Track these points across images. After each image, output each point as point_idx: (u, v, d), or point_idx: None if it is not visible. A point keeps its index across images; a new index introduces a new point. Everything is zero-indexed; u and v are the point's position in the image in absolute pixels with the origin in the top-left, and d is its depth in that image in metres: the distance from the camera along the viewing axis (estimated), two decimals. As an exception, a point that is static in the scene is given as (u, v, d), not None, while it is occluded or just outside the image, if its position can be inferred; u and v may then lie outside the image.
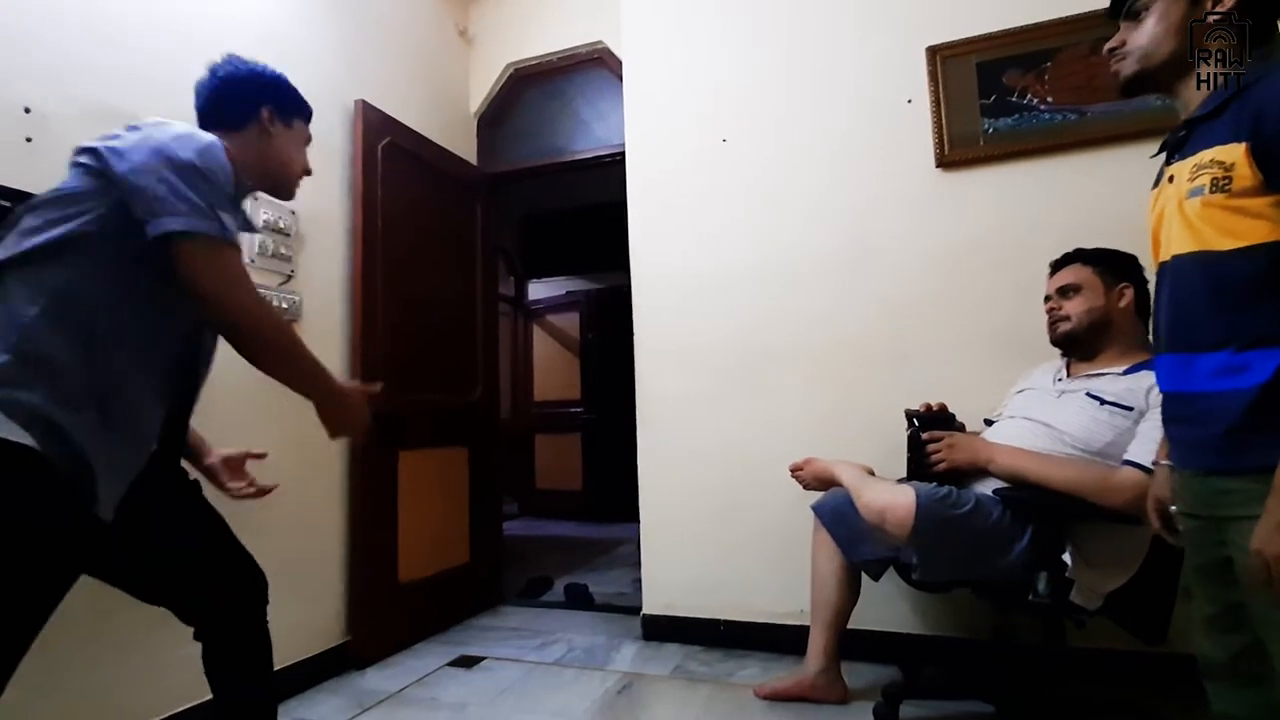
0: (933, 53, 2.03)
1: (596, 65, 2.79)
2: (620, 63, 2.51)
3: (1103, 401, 1.38)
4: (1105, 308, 1.46)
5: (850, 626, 1.70)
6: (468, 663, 2.10)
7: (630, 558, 3.07)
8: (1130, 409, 1.34)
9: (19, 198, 1.32)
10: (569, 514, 5.08)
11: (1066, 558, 1.30)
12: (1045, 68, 1.92)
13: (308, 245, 2.04)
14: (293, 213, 1.98)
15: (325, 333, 2.09)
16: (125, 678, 1.49)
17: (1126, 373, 1.40)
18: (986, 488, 1.43)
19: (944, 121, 2.00)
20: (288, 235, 1.96)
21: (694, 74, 2.34)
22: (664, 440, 2.28)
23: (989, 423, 1.64)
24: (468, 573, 2.59)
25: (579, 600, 2.76)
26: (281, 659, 1.85)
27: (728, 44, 2.31)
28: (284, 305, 1.92)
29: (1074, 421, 1.39)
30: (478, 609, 2.63)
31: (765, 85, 2.25)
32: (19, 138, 1.36)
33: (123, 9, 1.57)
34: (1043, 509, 1.33)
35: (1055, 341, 1.55)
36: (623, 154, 2.46)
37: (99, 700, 1.44)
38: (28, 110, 1.37)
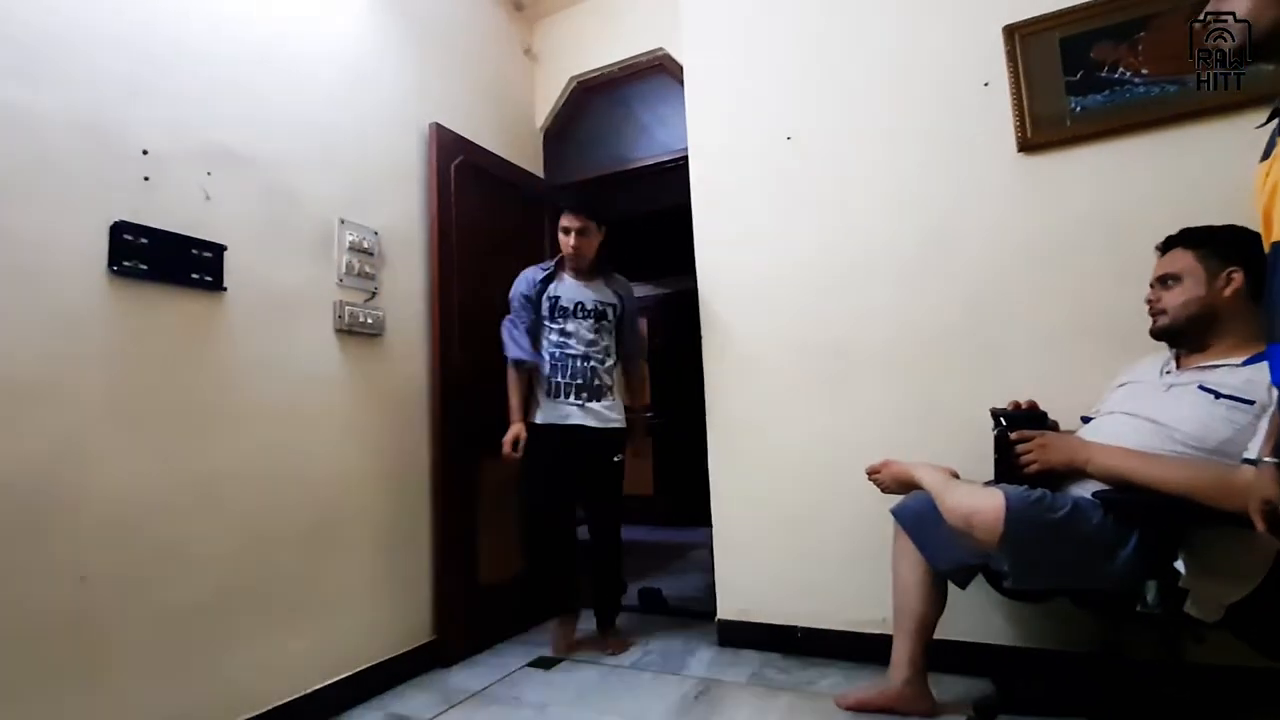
0: (1010, 32, 1.93)
1: (657, 72, 2.82)
2: (681, 68, 2.52)
3: (1219, 395, 1.26)
4: (1206, 298, 1.34)
5: (938, 637, 1.62)
6: (546, 664, 2.15)
7: (703, 562, 3.05)
8: (1251, 403, 1.22)
9: (140, 232, 1.47)
10: (641, 518, 5.10)
11: (1179, 565, 1.19)
12: (1139, 38, 1.78)
13: (389, 263, 2.15)
14: (375, 233, 2.10)
15: (407, 345, 2.20)
16: (248, 666, 1.62)
17: (1246, 363, 1.28)
18: (1084, 490, 1.33)
19: (1025, 103, 1.89)
20: (371, 254, 2.07)
21: (755, 73, 2.32)
22: (736, 443, 2.26)
23: (1086, 420, 1.53)
24: (545, 576, 2.64)
25: (653, 604, 2.77)
26: (375, 655, 1.97)
27: (788, 39, 2.27)
28: (369, 320, 2.03)
29: (1185, 417, 1.28)
30: (554, 611, 2.67)
31: (829, 79, 2.20)
32: (138, 177, 1.51)
33: (213, 45, 1.71)
34: (1151, 512, 1.23)
35: (1154, 334, 1.44)
36: (685, 158, 2.47)
37: (224, 685, 1.56)
38: (145, 152, 1.52)
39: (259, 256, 1.74)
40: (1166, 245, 1.44)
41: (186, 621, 1.51)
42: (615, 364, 2.33)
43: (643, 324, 5.39)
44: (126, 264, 1.44)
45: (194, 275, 1.57)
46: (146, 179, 1.52)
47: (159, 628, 1.46)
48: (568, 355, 2.22)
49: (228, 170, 1.68)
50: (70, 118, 1.39)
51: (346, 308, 1.96)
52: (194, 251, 1.58)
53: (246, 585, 1.64)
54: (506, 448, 2.16)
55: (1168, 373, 1.42)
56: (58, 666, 1.29)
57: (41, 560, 1.29)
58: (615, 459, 2.28)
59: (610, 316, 2.30)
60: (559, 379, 2.22)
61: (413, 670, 2.05)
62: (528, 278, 2.27)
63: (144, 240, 1.48)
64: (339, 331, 1.94)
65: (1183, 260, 1.38)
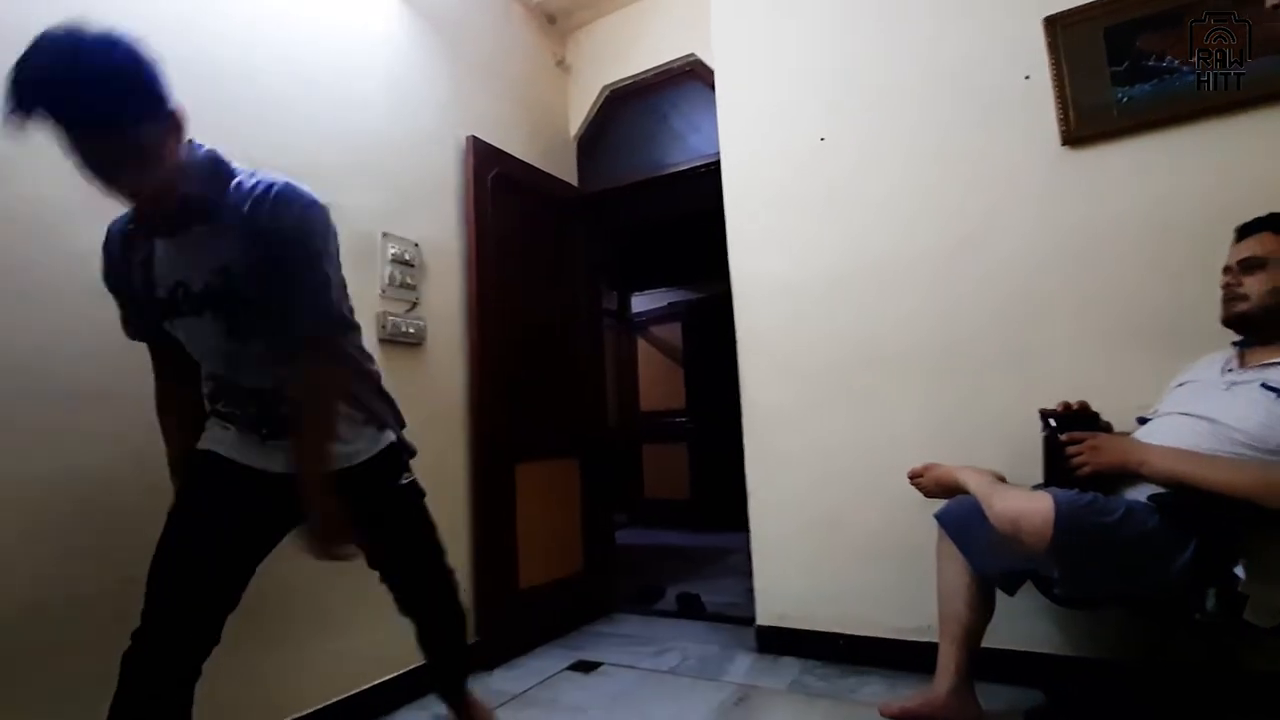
0: (1051, 23, 1.88)
1: (689, 78, 2.83)
2: (712, 73, 2.52)
3: (1282, 393, 1.20)
4: None
5: (985, 645, 1.58)
6: (586, 668, 2.16)
7: (741, 567, 3.03)
8: (1317, 402, 1.16)
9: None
10: (677, 523, 5.10)
11: (1239, 571, 1.14)
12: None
13: (429, 273, 2.21)
14: (416, 245, 2.15)
15: (446, 353, 2.25)
16: (299, 666, 1.67)
17: (1312, 361, 1.22)
18: (1139, 494, 1.28)
19: (1069, 95, 1.84)
20: (412, 266, 2.13)
21: (787, 74, 2.31)
22: (772, 447, 2.24)
23: (1143, 421, 1.47)
24: (582, 580, 2.67)
25: (691, 609, 2.76)
26: (420, 657, 1.99)
27: (821, 38, 2.26)
28: (410, 330, 2.09)
29: (1246, 416, 1.22)
30: (592, 616, 2.69)
31: (864, 78, 2.17)
32: (196, 196, 1.58)
33: (262, 66, 1.78)
34: (1210, 516, 1.18)
35: (1227, 321, 1.37)
36: (718, 163, 2.47)
37: (254, 692, 1.60)
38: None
39: (306, 269, 1.80)
40: (1250, 229, 1.36)
41: (240, 621, 1.56)
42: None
43: (673, 328, 5.46)
44: (185, 279, 1.50)
45: (246, 288, 1.63)
46: (202, 198, 1.59)
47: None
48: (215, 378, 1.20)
49: (277, 187, 1.75)
50: (133, 142, 1.47)
51: (389, 318, 2.02)
52: (246, 266, 1.64)
53: (298, 587, 1.69)
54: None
55: (1229, 371, 1.36)
56: (111, 664, 1.36)
57: (100, 558, 1.36)
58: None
59: (235, 292, 1.08)
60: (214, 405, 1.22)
61: (455, 672, 2.09)
62: (108, 247, 1.18)
63: (200, 256, 1.53)
64: (382, 341, 2.00)
65: (1271, 244, 1.31)
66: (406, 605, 1.45)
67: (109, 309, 1.41)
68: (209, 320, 1.10)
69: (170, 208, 1.06)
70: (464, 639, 1.55)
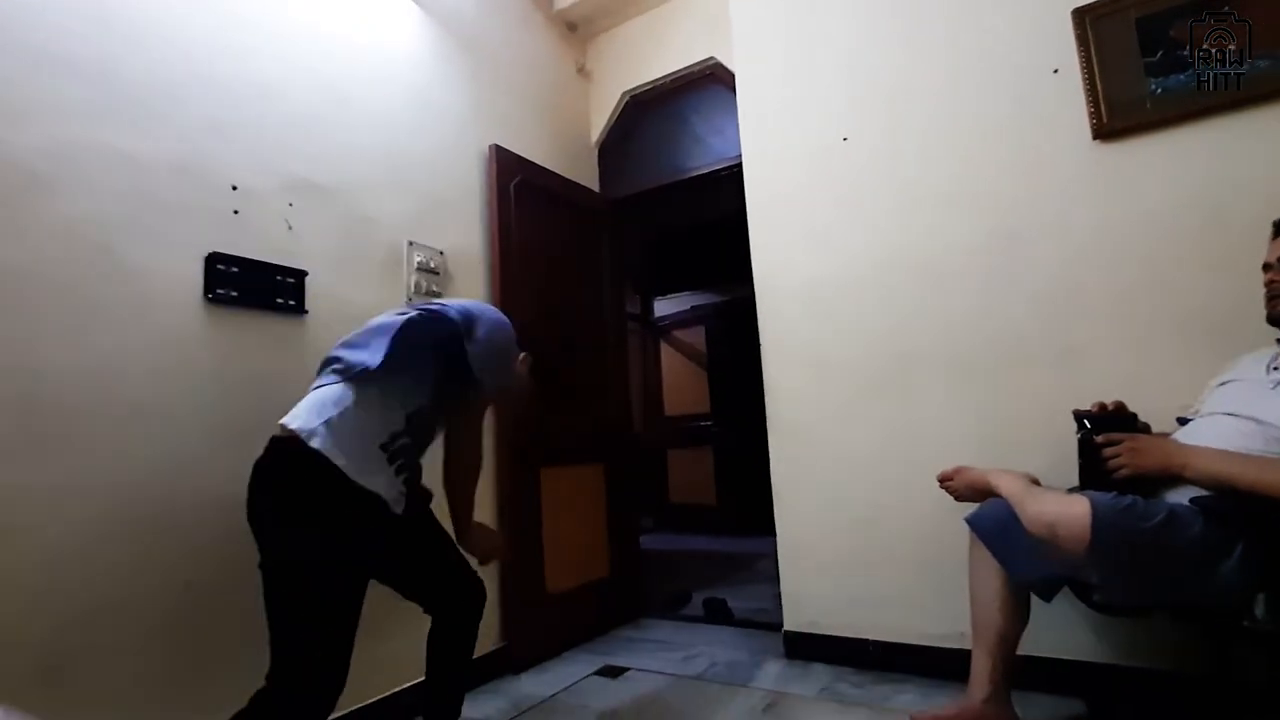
0: (1080, 15, 1.84)
1: (709, 81, 2.83)
2: (733, 75, 2.52)
3: (1332, 393, 1.16)
4: None
5: (1022, 653, 1.54)
6: (613, 672, 2.16)
7: (768, 572, 3.00)
8: (1372, 400, 1.11)
9: (231, 262, 1.59)
10: (703, 528, 5.07)
11: (1293, 578, 1.10)
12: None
13: (455, 282, 2.24)
14: (441, 253, 2.18)
15: (472, 360, 2.27)
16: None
17: (1364, 357, 1.17)
18: (1181, 497, 1.24)
19: (1100, 88, 1.80)
20: (437, 274, 2.16)
21: (808, 74, 2.30)
22: (799, 451, 2.22)
23: (1183, 422, 1.42)
24: (609, 585, 2.67)
25: (719, 615, 2.74)
26: (449, 660, 2.00)
27: (842, 38, 2.24)
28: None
29: (1294, 417, 1.18)
30: (620, 621, 2.69)
31: (886, 76, 2.15)
32: (228, 211, 1.63)
33: (291, 84, 1.83)
34: (1258, 519, 1.13)
35: (1273, 319, 1.33)
36: (739, 165, 2.46)
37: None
38: (234, 188, 1.64)
39: (336, 280, 1.84)
40: None
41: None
42: None
43: (697, 332, 5.43)
44: (220, 292, 1.56)
45: (279, 300, 1.68)
46: (236, 212, 1.64)
47: (255, 631, 1.55)
48: None
49: (307, 200, 1.80)
50: (170, 159, 1.52)
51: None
52: (278, 278, 1.69)
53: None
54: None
55: (1275, 369, 1.31)
56: (162, 665, 1.40)
57: (151, 569, 1.40)
58: None
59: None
60: None
61: (485, 676, 2.10)
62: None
63: (234, 269, 1.60)
64: (409, 348, 2.03)
65: None
66: (447, 615, 1.58)
67: (160, 326, 1.46)
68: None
69: None
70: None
